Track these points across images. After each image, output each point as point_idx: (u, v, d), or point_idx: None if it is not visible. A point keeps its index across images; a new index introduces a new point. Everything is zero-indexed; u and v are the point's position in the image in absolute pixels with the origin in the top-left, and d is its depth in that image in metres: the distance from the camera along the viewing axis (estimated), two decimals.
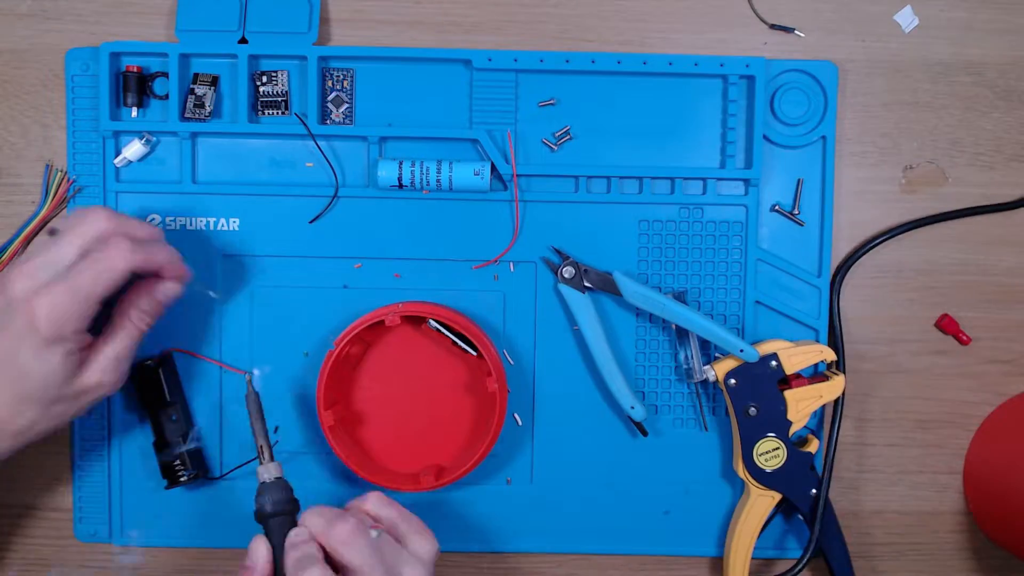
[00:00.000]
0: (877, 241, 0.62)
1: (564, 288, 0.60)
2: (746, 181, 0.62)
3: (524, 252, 0.62)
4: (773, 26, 0.63)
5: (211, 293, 0.60)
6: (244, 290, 0.62)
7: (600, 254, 0.62)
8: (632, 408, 0.60)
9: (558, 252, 0.61)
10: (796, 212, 0.62)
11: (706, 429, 0.63)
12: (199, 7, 0.60)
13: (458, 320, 0.59)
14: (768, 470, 0.60)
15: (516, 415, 0.62)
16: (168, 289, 0.54)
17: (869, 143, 0.63)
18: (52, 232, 0.53)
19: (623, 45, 0.63)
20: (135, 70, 0.60)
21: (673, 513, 0.63)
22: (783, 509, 0.63)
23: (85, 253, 0.50)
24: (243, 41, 0.60)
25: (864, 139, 0.63)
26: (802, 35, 0.63)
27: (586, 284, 0.60)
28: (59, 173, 0.61)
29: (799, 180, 0.62)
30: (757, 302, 0.62)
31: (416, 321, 0.60)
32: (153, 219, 0.61)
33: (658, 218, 0.62)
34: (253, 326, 0.62)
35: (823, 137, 0.62)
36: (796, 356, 0.60)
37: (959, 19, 0.63)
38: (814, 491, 0.61)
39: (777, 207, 0.62)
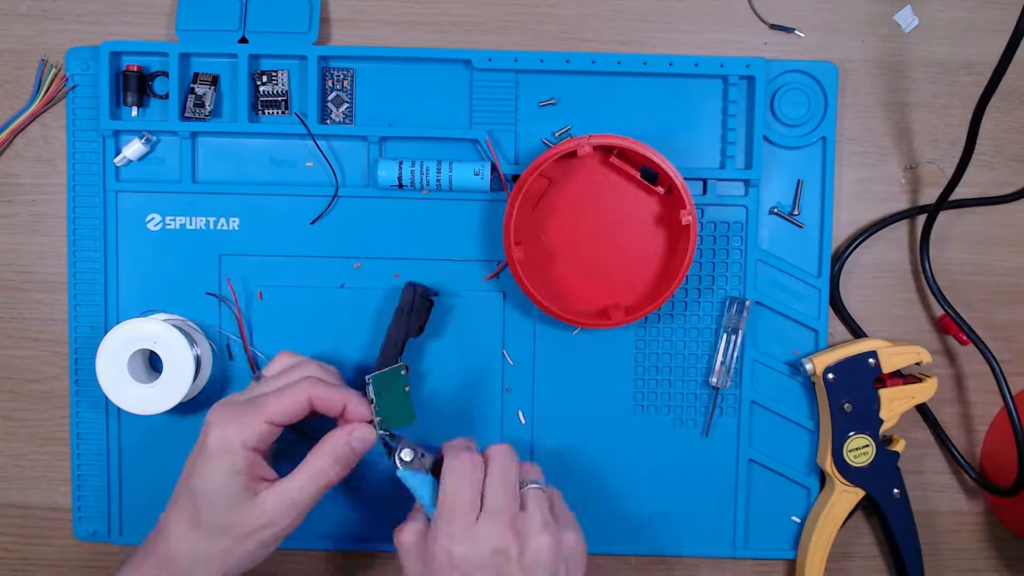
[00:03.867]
0: (874, 230, 0.63)
1: (404, 474, 0.55)
2: (746, 182, 0.62)
3: None
4: (773, 26, 0.63)
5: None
6: (244, 290, 0.62)
7: None
8: None
9: (392, 436, 0.55)
10: (796, 213, 0.62)
11: (707, 435, 0.63)
12: (199, 7, 0.60)
13: (648, 155, 0.57)
14: (856, 467, 0.60)
15: (520, 413, 0.62)
16: (364, 434, 0.53)
17: (869, 143, 0.63)
18: (257, 378, 0.55)
19: (623, 45, 0.63)
20: (135, 69, 0.60)
21: (672, 514, 0.63)
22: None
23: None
24: (243, 41, 0.60)
25: (864, 139, 0.63)
26: (802, 35, 0.63)
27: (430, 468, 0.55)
28: (53, 70, 0.61)
29: (799, 181, 0.62)
30: (757, 302, 0.62)
31: (604, 155, 0.59)
32: (153, 219, 0.61)
33: None
34: (253, 326, 0.62)
35: (823, 137, 0.62)
36: (894, 355, 0.60)
37: (959, 19, 0.63)
38: (896, 490, 0.61)
39: (776, 209, 0.62)
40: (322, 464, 0.52)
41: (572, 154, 0.57)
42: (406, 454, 0.54)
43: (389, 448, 0.54)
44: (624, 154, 0.58)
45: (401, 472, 0.54)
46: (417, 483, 0.54)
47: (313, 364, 0.56)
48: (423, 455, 0.54)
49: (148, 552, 0.51)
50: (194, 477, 0.50)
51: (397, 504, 0.63)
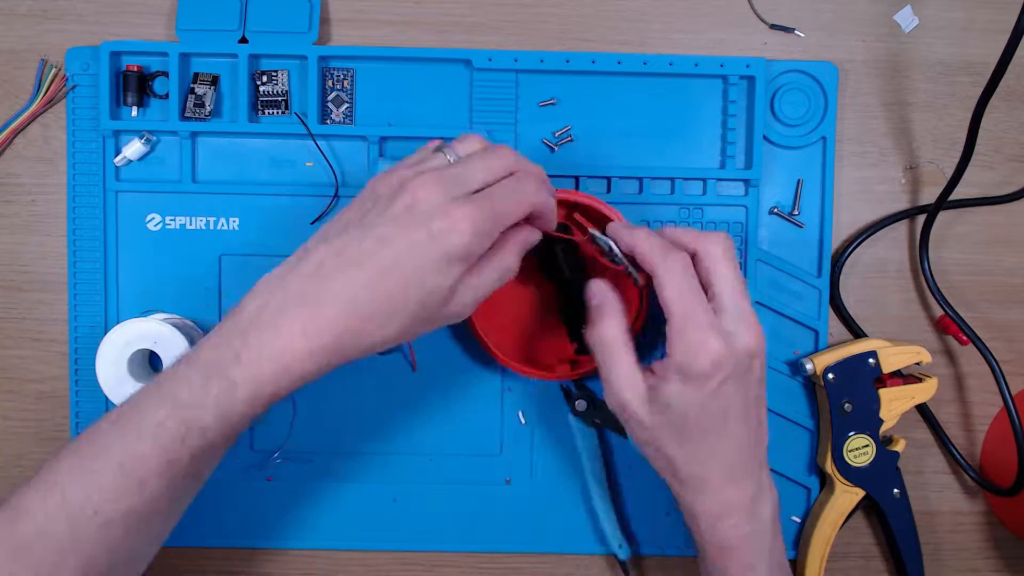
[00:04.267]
0: (874, 230, 0.63)
1: (574, 421, 0.61)
2: (746, 182, 0.62)
3: None
4: (773, 26, 0.63)
5: None
6: (244, 290, 0.62)
7: None
8: (620, 547, 0.62)
9: (577, 385, 0.61)
10: (796, 213, 0.62)
11: None
12: (199, 7, 0.60)
13: (608, 214, 0.56)
14: (856, 467, 0.61)
15: (521, 412, 0.62)
16: (534, 236, 0.50)
17: (869, 143, 0.63)
18: (441, 148, 0.49)
19: (623, 45, 0.63)
20: (135, 69, 0.60)
21: (674, 514, 0.63)
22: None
23: (492, 180, 0.47)
24: (243, 41, 0.60)
25: (864, 139, 0.63)
26: (802, 35, 0.63)
27: (596, 420, 0.61)
28: (53, 69, 0.61)
29: (799, 181, 0.62)
30: (757, 302, 0.62)
31: (569, 209, 0.57)
32: (153, 219, 0.61)
33: (658, 218, 0.62)
34: None
35: (823, 137, 0.62)
36: (894, 355, 0.60)
37: (959, 19, 0.63)
38: (896, 490, 0.61)
39: (776, 209, 0.62)
40: (508, 258, 0.49)
41: None
42: (580, 404, 0.59)
43: (567, 392, 0.60)
44: (587, 211, 0.57)
45: (573, 420, 0.60)
46: (582, 434, 0.59)
47: (506, 148, 0.49)
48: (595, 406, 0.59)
49: (300, 318, 0.44)
50: (418, 272, 0.44)
51: (397, 501, 0.63)
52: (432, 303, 0.45)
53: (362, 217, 0.46)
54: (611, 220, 0.55)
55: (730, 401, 0.49)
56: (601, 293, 0.52)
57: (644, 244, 0.50)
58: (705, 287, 0.49)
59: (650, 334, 0.60)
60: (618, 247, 0.52)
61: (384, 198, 0.46)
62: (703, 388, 0.48)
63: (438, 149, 0.49)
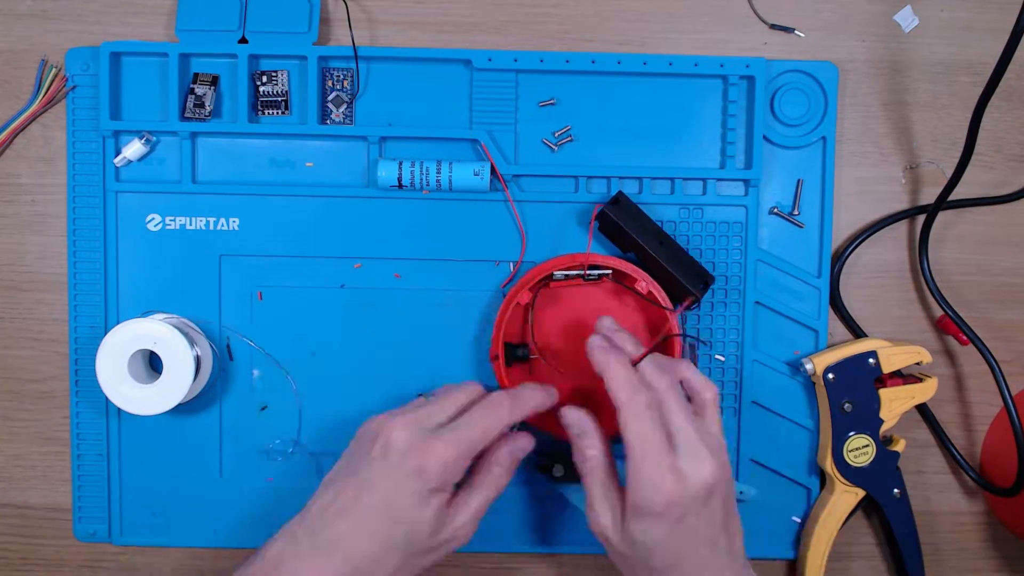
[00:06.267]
0: (874, 230, 0.63)
1: (561, 487, 0.61)
2: (746, 182, 0.62)
3: (525, 253, 0.62)
4: (773, 26, 0.63)
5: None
6: (244, 290, 0.62)
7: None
8: None
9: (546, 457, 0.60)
10: (796, 213, 0.62)
11: None
12: (199, 7, 0.60)
13: (639, 279, 0.58)
14: (856, 467, 0.61)
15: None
16: (524, 444, 0.54)
17: (869, 143, 0.63)
18: (426, 396, 0.54)
19: (623, 45, 0.63)
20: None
21: None
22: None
23: (461, 412, 0.52)
24: (243, 41, 0.60)
25: (864, 139, 0.63)
26: (802, 35, 0.63)
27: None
28: (53, 70, 0.61)
29: (799, 181, 0.62)
30: (757, 303, 0.62)
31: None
32: (153, 219, 0.61)
33: (658, 218, 0.62)
34: (253, 326, 0.62)
35: (823, 137, 0.62)
36: (895, 355, 0.60)
37: (959, 19, 0.63)
38: (896, 490, 0.61)
39: (776, 210, 0.62)
40: (497, 474, 0.53)
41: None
42: (557, 470, 0.58)
43: (540, 467, 0.60)
44: (616, 274, 0.59)
45: (562, 488, 0.59)
46: (573, 492, 0.58)
47: (474, 384, 0.55)
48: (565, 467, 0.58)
49: (311, 570, 0.48)
50: (401, 509, 0.49)
51: None
52: (420, 535, 0.50)
53: (349, 463, 0.52)
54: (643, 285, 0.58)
55: (693, 534, 0.49)
56: (577, 421, 0.53)
57: (614, 379, 0.51)
58: (690, 397, 0.52)
59: None
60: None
61: (367, 443, 0.51)
62: (661, 525, 0.49)
63: (422, 395, 0.54)
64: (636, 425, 0.49)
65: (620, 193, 0.60)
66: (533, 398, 0.54)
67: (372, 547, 0.49)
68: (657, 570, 0.50)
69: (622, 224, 0.59)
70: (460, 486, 0.53)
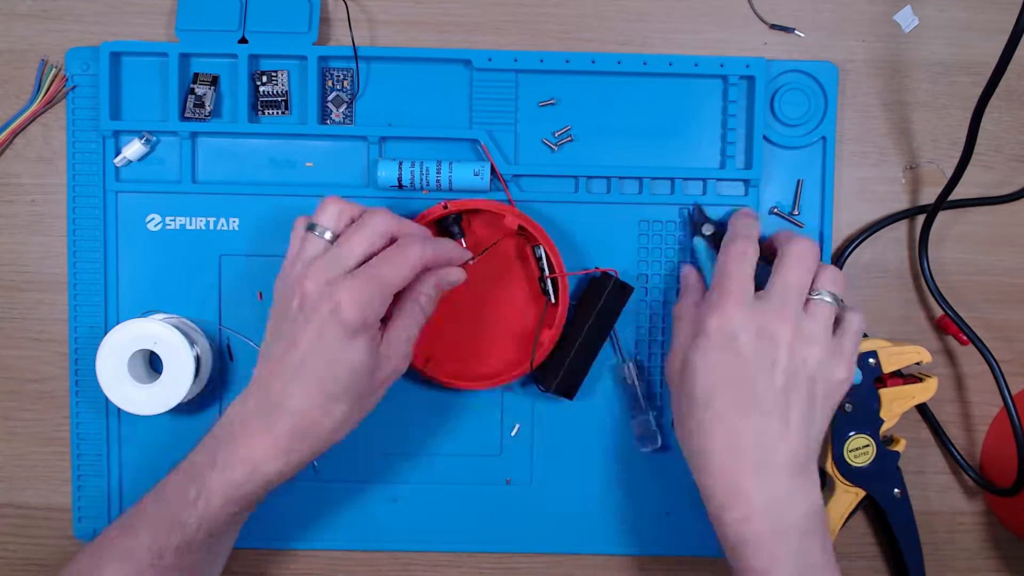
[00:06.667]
0: (874, 230, 0.63)
1: (699, 242, 0.61)
2: (746, 182, 0.62)
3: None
4: (773, 26, 0.63)
5: None
6: (244, 290, 0.62)
7: (600, 254, 0.62)
8: None
9: (700, 210, 0.61)
10: (796, 213, 0.62)
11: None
12: (199, 7, 0.60)
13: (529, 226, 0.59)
14: (856, 467, 0.61)
15: (517, 427, 0.62)
16: (453, 275, 0.55)
17: (869, 143, 0.63)
18: (311, 227, 0.53)
19: (623, 45, 0.63)
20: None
21: (674, 514, 0.63)
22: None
23: (371, 250, 0.51)
24: (243, 41, 0.60)
25: (864, 139, 0.63)
26: (802, 35, 0.63)
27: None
28: (53, 70, 0.61)
29: (799, 181, 0.62)
30: None
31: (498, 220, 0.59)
32: (153, 219, 0.61)
33: (658, 218, 0.62)
34: (253, 326, 0.62)
35: (823, 137, 0.62)
36: (895, 355, 0.60)
37: (959, 19, 0.63)
38: (897, 490, 0.61)
39: (776, 210, 0.62)
40: (423, 303, 0.53)
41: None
42: (707, 228, 0.60)
43: (692, 219, 0.61)
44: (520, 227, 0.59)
45: (697, 240, 0.60)
46: (706, 257, 0.60)
47: (411, 225, 0.54)
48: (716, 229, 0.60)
49: (258, 429, 0.51)
50: (331, 355, 0.50)
51: (395, 502, 0.63)
52: (360, 375, 0.50)
53: (277, 325, 0.52)
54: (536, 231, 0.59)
55: (739, 375, 0.51)
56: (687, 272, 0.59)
57: (733, 223, 0.57)
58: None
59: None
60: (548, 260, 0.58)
61: (284, 302, 0.52)
62: (708, 346, 0.52)
63: (308, 229, 0.53)
64: (729, 263, 0.54)
65: (628, 287, 0.60)
66: (445, 245, 0.54)
67: (312, 400, 0.50)
68: (694, 401, 0.53)
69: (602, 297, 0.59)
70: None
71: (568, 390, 0.60)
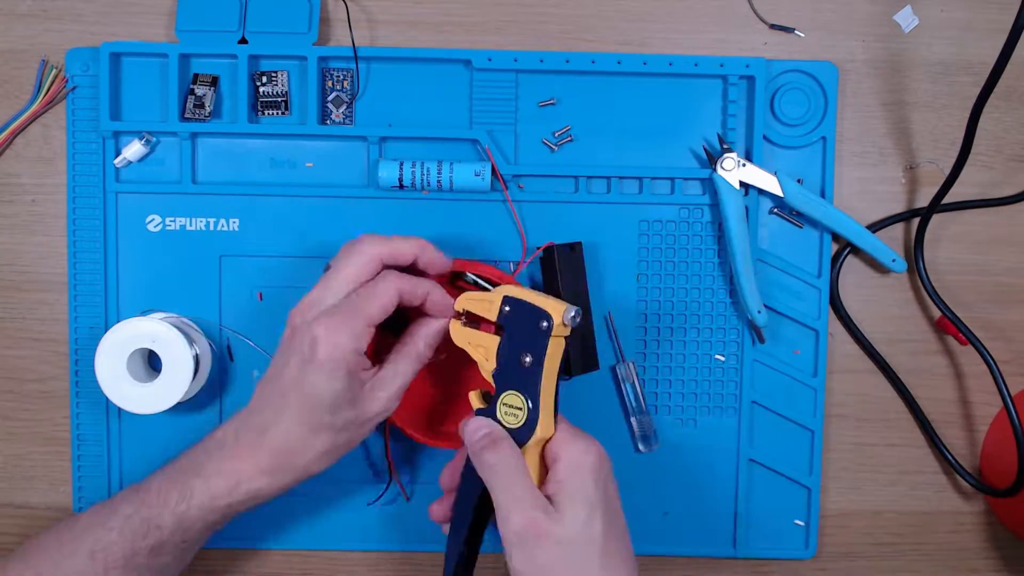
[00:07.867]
0: (873, 230, 0.63)
1: (719, 178, 0.60)
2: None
3: (526, 253, 0.62)
4: (773, 26, 0.63)
5: None
6: (244, 290, 0.62)
7: (600, 254, 0.62)
8: (759, 312, 0.60)
9: (721, 141, 0.60)
10: (796, 212, 0.62)
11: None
12: (199, 7, 0.60)
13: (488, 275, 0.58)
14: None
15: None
16: (439, 324, 0.55)
17: (869, 143, 0.63)
18: (326, 268, 0.54)
19: (623, 45, 0.63)
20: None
21: (672, 514, 0.63)
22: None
23: (357, 280, 0.52)
24: (243, 41, 0.60)
25: (864, 139, 0.63)
26: (802, 35, 0.63)
27: (741, 180, 0.60)
28: (54, 70, 0.61)
29: (799, 180, 0.62)
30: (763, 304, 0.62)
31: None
32: (153, 220, 0.61)
33: (658, 218, 0.62)
34: (253, 326, 0.62)
35: (823, 137, 0.62)
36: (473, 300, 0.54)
37: (959, 19, 0.63)
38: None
39: (776, 210, 0.62)
40: (418, 348, 0.54)
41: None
42: (727, 163, 0.59)
43: (708, 154, 0.60)
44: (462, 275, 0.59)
45: (717, 177, 0.59)
46: (729, 192, 0.59)
47: (396, 243, 0.54)
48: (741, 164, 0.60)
49: (247, 446, 0.52)
50: (309, 388, 0.51)
51: (396, 502, 0.63)
52: (339, 408, 0.51)
53: (275, 355, 0.54)
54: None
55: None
56: (484, 426, 0.52)
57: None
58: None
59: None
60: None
61: (284, 333, 0.53)
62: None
63: (325, 268, 0.54)
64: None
65: (579, 244, 0.60)
66: (422, 282, 0.53)
67: (293, 429, 0.51)
68: None
69: (560, 270, 0.59)
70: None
71: (588, 364, 0.60)
